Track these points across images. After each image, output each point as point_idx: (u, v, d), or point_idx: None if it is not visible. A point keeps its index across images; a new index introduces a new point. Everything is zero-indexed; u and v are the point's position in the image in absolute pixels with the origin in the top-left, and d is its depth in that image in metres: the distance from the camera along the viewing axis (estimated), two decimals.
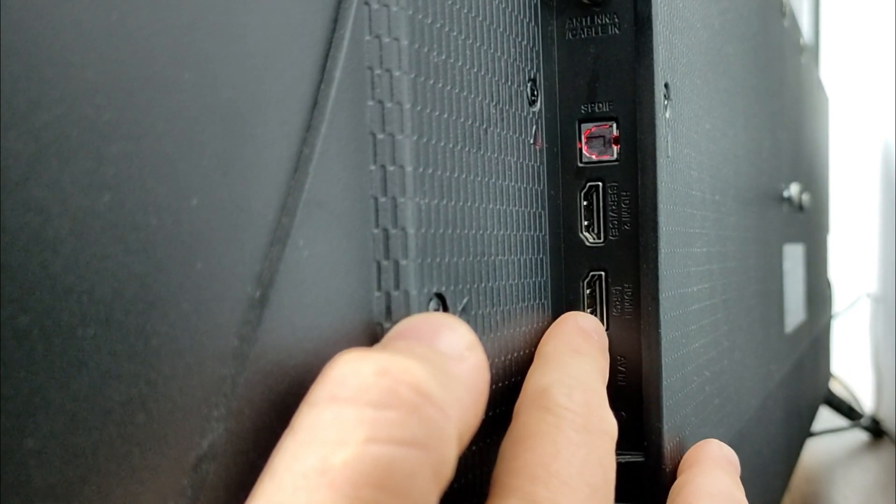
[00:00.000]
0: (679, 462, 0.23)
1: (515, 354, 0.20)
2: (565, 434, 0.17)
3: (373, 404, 0.13)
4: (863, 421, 0.78)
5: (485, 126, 0.19)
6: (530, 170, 0.21)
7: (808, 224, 0.59)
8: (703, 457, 0.23)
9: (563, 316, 0.22)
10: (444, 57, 0.17)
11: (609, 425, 0.19)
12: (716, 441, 0.24)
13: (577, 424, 0.18)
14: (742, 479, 0.23)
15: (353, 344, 0.15)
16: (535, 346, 0.21)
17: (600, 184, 0.22)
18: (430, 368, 0.14)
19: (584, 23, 0.22)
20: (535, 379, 0.19)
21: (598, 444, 0.18)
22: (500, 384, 0.19)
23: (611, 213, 0.22)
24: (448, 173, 0.17)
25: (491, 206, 0.19)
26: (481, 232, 0.19)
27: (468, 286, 0.18)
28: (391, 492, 0.12)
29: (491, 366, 0.19)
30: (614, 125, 0.22)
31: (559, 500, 0.16)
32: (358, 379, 0.13)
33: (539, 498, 0.16)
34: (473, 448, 0.18)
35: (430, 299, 0.17)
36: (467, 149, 0.18)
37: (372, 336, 0.16)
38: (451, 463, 0.14)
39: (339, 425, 0.12)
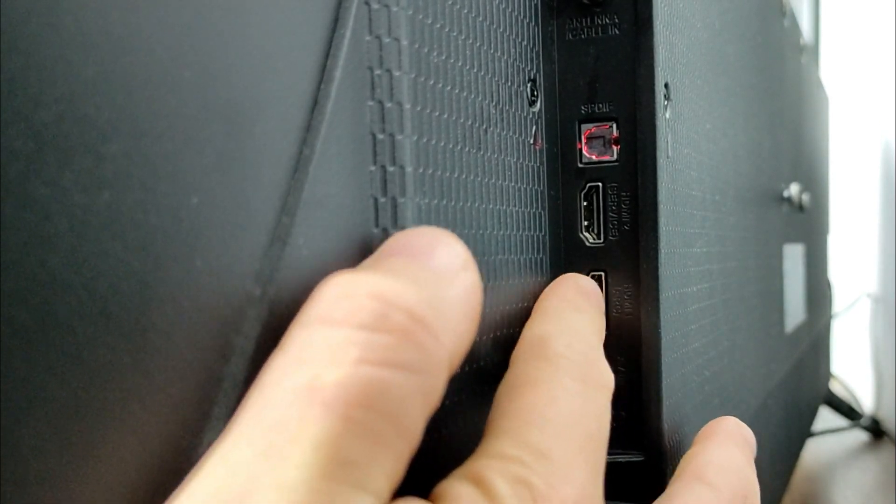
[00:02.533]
0: (679, 462, 0.23)
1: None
2: (562, 382, 0.17)
3: (365, 327, 0.12)
4: (863, 421, 0.78)
5: (485, 126, 0.19)
6: (530, 170, 0.21)
7: (808, 224, 0.59)
8: (720, 430, 0.22)
9: (562, 276, 0.22)
10: (444, 57, 0.17)
11: (606, 379, 0.18)
12: (734, 418, 0.23)
13: (575, 373, 0.17)
14: None
15: None
16: None
17: (600, 184, 0.22)
18: (424, 291, 0.13)
19: (584, 23, 0.22)
20: (534, 329, 0.19)
21: (595, 395, 0.17)
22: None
23: (611, 214, 0.22)
24: (448, 173, 0.17)
25: (491, 206, 0.19)
26: (481, 232, 0.19)
27: None
28: (381, 414, 0.12)
29: (490, 364, 0.19)
30: (614, 126, 0.22)
31: (551, 445, 0.16)
32: (351, 301, 0.13)
33: (532, 440, 0.16)
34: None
35: None
36: (467, 149, 0.18)
37: None
38: (441, 388, 0.14)
39: (331, 346, 0.12)
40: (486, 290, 0.19)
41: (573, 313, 0.20)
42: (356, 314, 0.13)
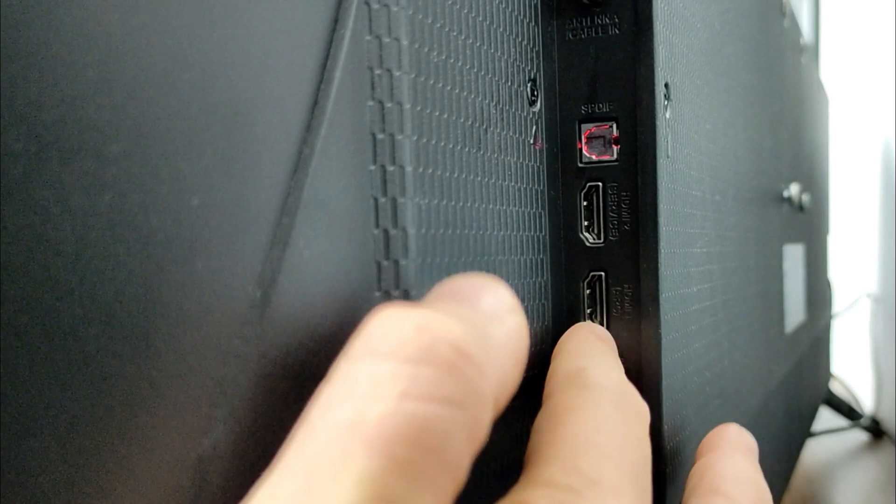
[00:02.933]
0: (678, 461, 0.23)
1: None
2: (604, 409, 0.17)
3: (410, 360, 0.12)
4: (863, 421, 0.78)
5: (485, 126, 0.19)
6: (530, 170, 0.21)
7: (808, 224, 0.59)
8: (724, 441, 0.22)
9: (576, 325, 0.22)
10: (444, 57, 0.17)
11: (643, 409, 0.18)
12: (735, 425, 0.23)
13: (615, 402, 0.17)
14: None
15: None
16: (535, 347, 0.21)
17: (600, 184, 0.22)
18: (471, 328, 0.13)
19: (584, 23, 0.22)
20: (566, 364, 0.19)
21: (636, 424, 0.17)
22: None
23: (611, 214, 0.22)
24: (448, 173, 0.17)
25: (491, 206, 0.19)
26: (481, 232, 0.19)
27: None
28: (425, 449, 0.12)
29: None
30: (614, 125, 0.22)
31: (600, 471, 0.15)
32: (397, 334, 0.13)
33: (581, 466, 0.15)
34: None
35: None
36: (467, 149, 0.18)
37: None
38: (486, 425, 0.13)
39: (375, 379, 0.12)
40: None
41: (600, 349, 0.20)
42: (402, 347, 0.12)
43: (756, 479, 0.21)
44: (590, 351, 0.20)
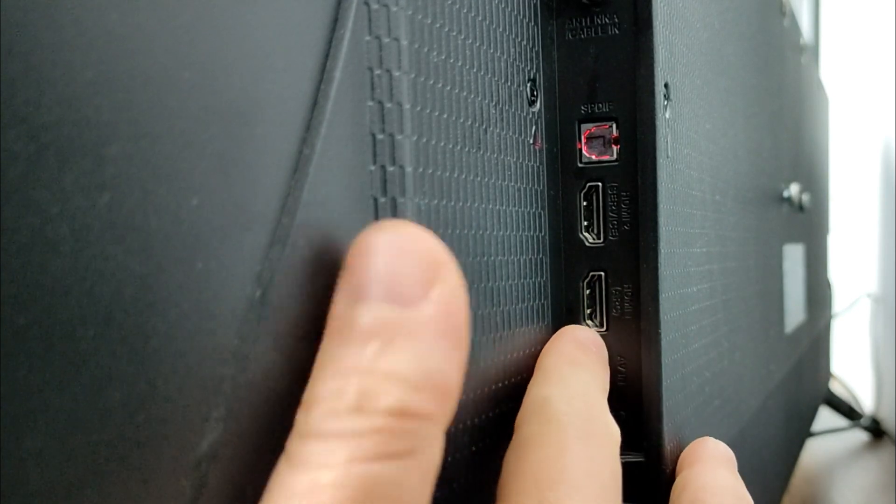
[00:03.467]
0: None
1: (515, 355, 0.20)
2: (569, 439, 0.17)
3: (354, 430, 0.13)
4: (863, 421, 0.78)
5: (485, 126, 0.19)
6: (530, 170, 0.21)
7: (808, 224, 0.59)
8: (703, 454, 0.23)
9: (561, 330, 0.22)
10: (444, 57, 0.17)
11: (612, 430, 0.19)
12: (711, 439, 0.24)
13: (580, 430, 0.18)
14: (742, 478, 0.23)
15: None
16: (535, 347, 0.21)
17: (600, 184, 0.22)
18: (403, 378, 0.13)
19: (584, 23, 0.22)
20: (535, 392, 0.19)
21: (603, 446, 0.18)
22: (500, 384, 0.19)
23: (611, 214, 0.22)
24: (448, 173, 0.17)
25: (491, 206, 0.19)
26: (481, 232, 0.19)
27: (468, 286, 0.18)
28: (380, 501, 0.13)
29: (491, 366, 0.19)
30: (614, 125, 0.22)
31: (569, 499, 0.16)
32: (335, 405, 0.13)
33: (547, 498, 0.16)
34: (474, 448, 0.18)
35: None
36: (467, 149, 0.18)
37: None
38: (438, 456, 0.14)
39: (323, 449, 0.13)
40: (485, 289, 0.19)
41: (572, 369, 0.20)
42: (343, 417, 0.13)
43: (737, 489, 0.21)
44: (563, 369, 0.20)
